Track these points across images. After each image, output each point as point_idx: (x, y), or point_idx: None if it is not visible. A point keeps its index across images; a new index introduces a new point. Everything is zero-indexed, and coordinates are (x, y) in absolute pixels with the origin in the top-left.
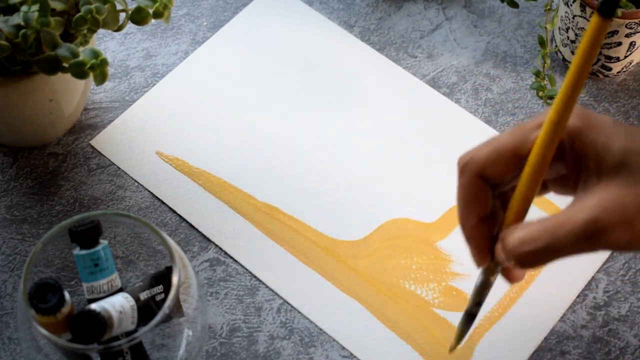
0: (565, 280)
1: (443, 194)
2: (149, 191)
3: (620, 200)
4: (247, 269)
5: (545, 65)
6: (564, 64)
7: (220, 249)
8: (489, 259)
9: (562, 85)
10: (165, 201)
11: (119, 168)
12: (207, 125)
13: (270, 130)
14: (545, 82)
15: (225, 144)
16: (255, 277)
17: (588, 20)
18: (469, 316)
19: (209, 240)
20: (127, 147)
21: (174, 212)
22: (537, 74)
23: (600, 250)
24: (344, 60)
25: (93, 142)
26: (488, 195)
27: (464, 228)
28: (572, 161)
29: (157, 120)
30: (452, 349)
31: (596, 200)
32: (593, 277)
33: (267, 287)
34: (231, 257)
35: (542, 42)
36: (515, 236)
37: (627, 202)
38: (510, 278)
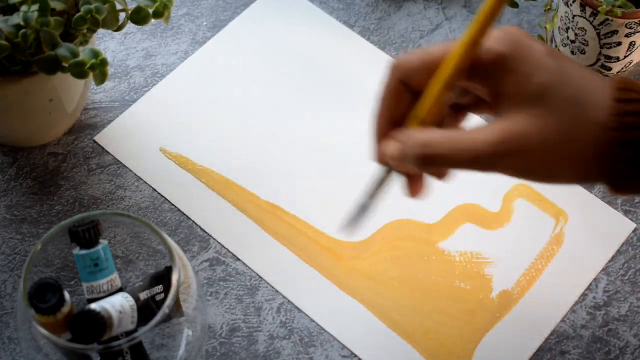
0: (566, 281)
1: (445, 195)
2: (152, 188)
3: (526, 130)
4: (249, 267)
5: None
6: None
7: (223, 247)
8: None
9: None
10: (168, 198)
11: (119, 168)
12: (212, 123)
13: (274, 129)
14: None
15: (229, 142)
16: (255, 277)
17: (588, 20)
18: (362, 208)
19: (209, 240)
20: (130, 143)
21: (174, 212)
22: None
23: (498, 173)
24: (346, 60)
25: (97, 139)
26: (405, 101)
27: (375, 124)
28: (493, 87)
29: (161, 118)
30: (342, 230)
31: (503, 125)
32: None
33: (267, 286)
34: (232, 257)
35: None
36: (418, 136)
37: (531, 133)
38: (411, 191)
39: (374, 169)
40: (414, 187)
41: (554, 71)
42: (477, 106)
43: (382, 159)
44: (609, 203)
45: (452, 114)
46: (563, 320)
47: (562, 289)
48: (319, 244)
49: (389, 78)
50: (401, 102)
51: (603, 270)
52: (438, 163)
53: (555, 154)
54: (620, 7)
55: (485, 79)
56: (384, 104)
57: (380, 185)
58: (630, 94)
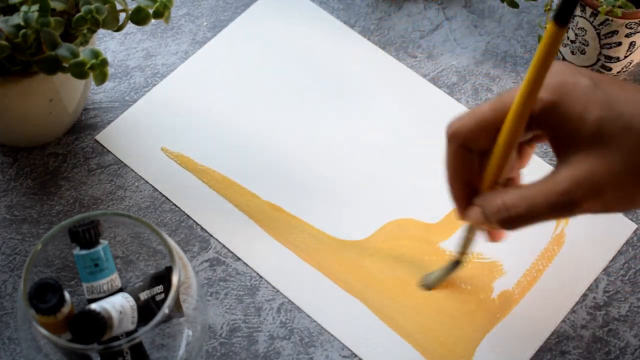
0: (566, 282)
1: (446, 195)
2: (152, 187)
3: (591, 174)
4: (249, 267)
5: None
6: None
7: (223, 247)
8: None
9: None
10: (169, 198)
11: (119, 167)
12: (212, 123)
13: (274, 129)
14: None
15: (230, 142)
16: (255, 277)
17: (588, 20)
18: (455, 263)
19: (209, 240)
20: (131, 143)
21: (174, 212)
22: None
23: (578, 215)
24: (347, 60)
25: (97, 139)
26: (472, 163)
27: (451, 190)
28: (551, 133)
29: (162, 117)
30: (430, 288)
31: (569, 173)
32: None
33: (267, 286)
34: (232, 257)
35: None
36: (496, 201)
37: (597, 174)
38: (492, 238)
39: (461, 228)
40: (496, 233)
41: (602, 104)
42: (539, 138)
43: (465, 219)
44: None
45: (518, 150)
46: (563, 320)
47: (562, 289)
48: (320, 243)
49: (449, 147)
50: (467, 164)
51: (603, 270)
52: (519, 222)
53: (627, 186)
54: (620, 7)
55: (540, 127)
56: (453, 171)
57: (469, 241)
58: None
